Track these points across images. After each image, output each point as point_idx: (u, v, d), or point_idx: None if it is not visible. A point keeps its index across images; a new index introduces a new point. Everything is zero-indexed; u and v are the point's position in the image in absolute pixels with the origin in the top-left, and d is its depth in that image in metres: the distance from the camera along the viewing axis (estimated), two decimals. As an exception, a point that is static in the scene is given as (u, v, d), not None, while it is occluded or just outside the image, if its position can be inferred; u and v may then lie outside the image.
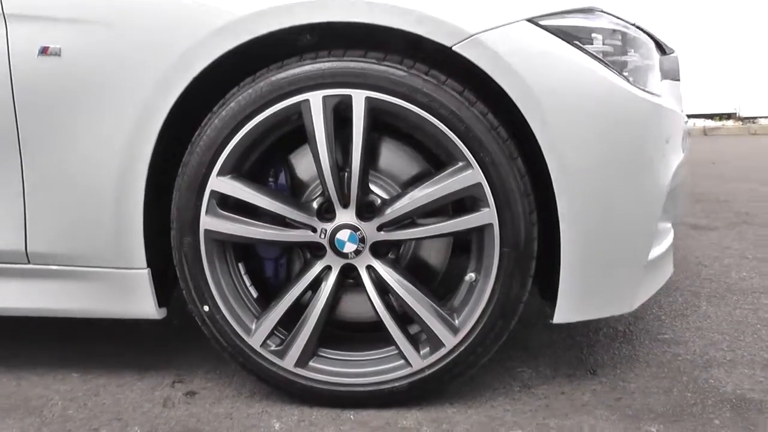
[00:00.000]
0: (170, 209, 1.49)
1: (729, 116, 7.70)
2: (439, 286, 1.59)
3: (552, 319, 1.49)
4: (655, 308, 2.13)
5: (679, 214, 1.85)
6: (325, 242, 1.46)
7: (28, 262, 1.56)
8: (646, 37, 1.58)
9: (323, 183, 1.43)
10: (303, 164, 1.57)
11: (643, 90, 1.45)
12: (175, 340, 1.95)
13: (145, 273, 1.52)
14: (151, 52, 1.42)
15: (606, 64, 1.40)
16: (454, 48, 1.34)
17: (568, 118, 1.36)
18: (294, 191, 1.56)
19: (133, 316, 1.57)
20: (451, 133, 1.37)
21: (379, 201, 1.47)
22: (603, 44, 1.44)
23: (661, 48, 1.71)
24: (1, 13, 1.46)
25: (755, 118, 7.72)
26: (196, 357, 1.82)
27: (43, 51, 1.45)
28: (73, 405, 1.57)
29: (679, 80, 1.83)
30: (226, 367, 1.75)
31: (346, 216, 1.45)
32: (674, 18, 7.78)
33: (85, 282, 1.55)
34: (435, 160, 1.55)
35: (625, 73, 1.44)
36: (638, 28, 1.56)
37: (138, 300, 1.55)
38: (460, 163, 1.39)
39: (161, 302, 1.57)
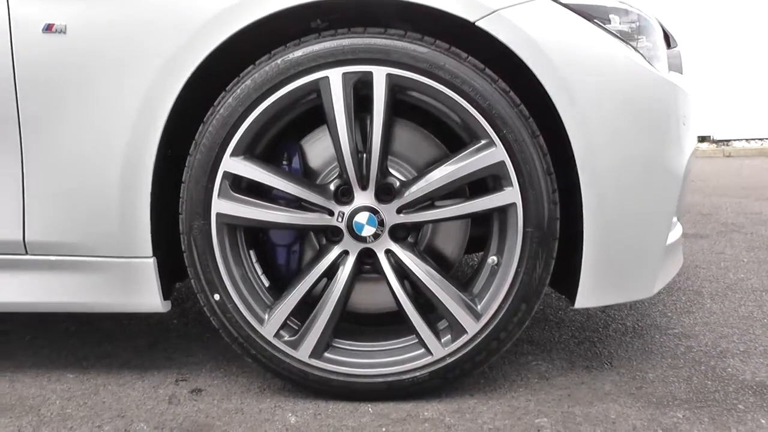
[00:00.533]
0: (176, 196, 1.44)
1: (704, 139, 7.90)
2: (457, 272, 1.55)
3: (573, 305, 1.45)
4: (660, 306, 2.11)
5: (684, 206, 1.84)
6: (342, 226, 1.41)
7: (26, 253, 1.48)
8: (657, 24, 1.59)
9: (341, 163, 1.39)
10: (315, 150, 1.52)
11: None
12: (175, 339, 1.86)
13: (150, 262, 1.45)
14: (162, 31, 1.37)
15: (624, 41, 1.40)
16: (477, 23, 1.33)
17: (593, 95, 1.35)
18: (306, 176, 1.51)
19: (138, 309, 1.49)
20: (474, 110, 1.35)
21: (397, 183, 1.43)
22: (619, 24, 1.44)
23: (667, 40, 1.72)
24: None
25: (729, 140, 7.94)
26: (198, 356, 1.74)
27: (48, 28, 1.40)
28: (71, 404, 1.48)
29: (682, 74, 1.85)
30: (231, 364, 1.67)
31: (364, 198, 1.41)
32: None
33: (87, 273, 1.47)
34: (452, 144, 1.52)
35: (640, 51, 1.44)
36: (648, 15, 1.57)
37: (142, 292, 1.47)
38: (483, 141, 1.37)
39: (165, 295, 1.50)
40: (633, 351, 1.74)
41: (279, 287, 1.50)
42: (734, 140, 7.88)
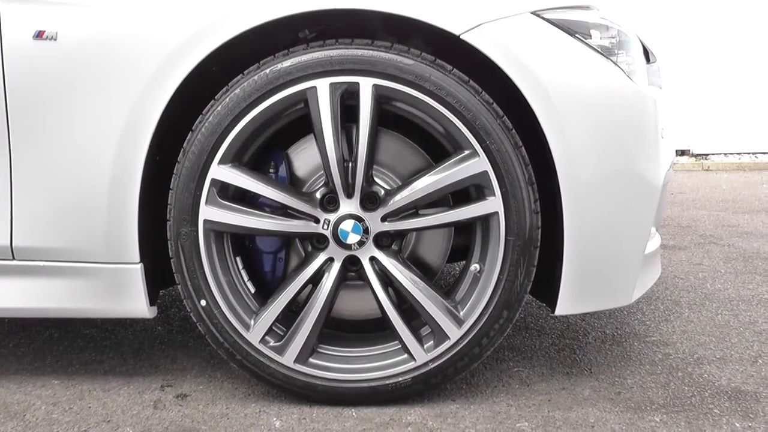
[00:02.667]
0: (163, 202, 1.45)
1: (683, 152, 8.02)
2: (439, 280, 1.58)
3: (553, 312, 1.49)
4: (639, 314, 2.15)
5: (661, 217, 1.89)
6: (328, 233, 1.43)
7: (13, 258, 1.48)
8: (636, 39, 1.64)
9: (327, 171, 1.42)
10: (301, 159, 1.55)
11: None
12: (159, 346, 1.87)
13: (138, 268, 1.46)
14: (153, 38, 1.39)
15: (606, 57, 1.45)
16: (461, 36, 1.37)
17: (573, 107, 1.39)
18: (292, 185, 1.53)
19: (124, 315, 1.50)
20: (458, 121, 1.39)
21: (382, 192, 1.46)
22: (600, 39, 1.48)
23: (647, 55, 1.77)
24: None
25: (707, 155, 8.07)
26: (183, 362, 1.75)
27: (39, 35, 1.41)
28: (57, 409, 1.48)
29: (661, 88, 1.90)
30: (216, 371, 1.68)
31: (349, 206, 1.43)
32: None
33: (74, 279, 1.48)
34: (436, 153, 1.56)
35: (622, 67, 1.49)
36: (628, 30, 1.62)
37: (129, 298, 1.48)
38: (467, 151, 1.40)
39: (151, 301, 1.51)
40: (612, 358, 1.78)
41: (265, 293, 1.52)
42: (713, 154, 8.02)
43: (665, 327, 2.03)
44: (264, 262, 1.53)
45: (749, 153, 8.03)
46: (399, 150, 1.54)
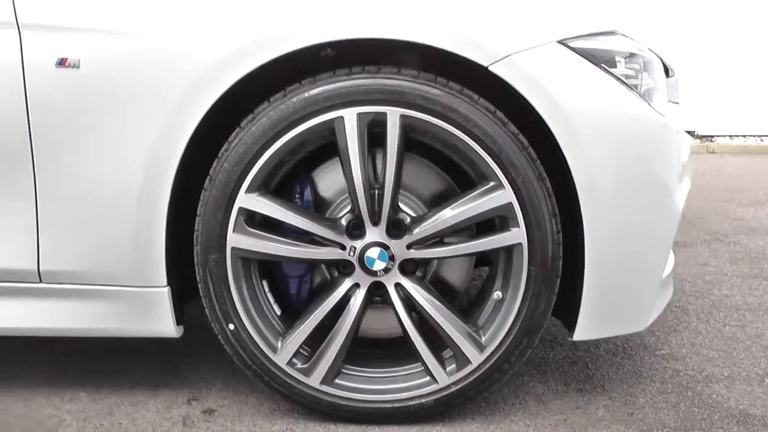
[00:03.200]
0: (187, 224, 1.47)
1: (688, 134, 8.01)
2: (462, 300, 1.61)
3: (571, 337, 1.52)
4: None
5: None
6: (354, 260, 1.46)
7: (40, 281, 1.50)
8: (658, 60, 1.64)
9: (354, 201, 1.43)
10: (325, 181, 1.57)
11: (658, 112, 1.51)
12: (182, 356, 1.91)
13: (165, 291, 1.48)
14: (177, 68, 1.39)
15: (630, 87, 1.45)
16: (489, 68, 1.37)
17: (597, 139, 1.40)
18: (317, 208, 1.56)
19: (151, 335, 1.53)
20: (484, 153, 1.40)
21: (408, 219, 1.48)
22: (625, 67, 1.49)
23: (666, 70, 1.78)
24: (15, 21, 1.41)
25: (712, 136, 8.07)
26: (207, 374, 1.79)
27: (61, 62, 1.40)
28: (88, 426, 1.52)
29: (678, 103, 1.91)
30: (240, 384, 1.72)
31: (375, 234, 1.45)
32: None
33: (100, 301, 1.50)
34: (458, 175, 1.57)
35: (644, 95, 1.49)
36: (650, 50, 1.62)
37: (156, 319, 1.51)
38: (492, 183, 1.42)
39: (178, 319, 1.54)
40: (624, 373, 1.83)
41: (290, 314, 1.55)
42: (718, 136, 8.02)
43: (674, 339, 2.07)
44: (290, 286, 1.55)
45: (754, 136, 8.02)
46: (422, 174, 1.56)
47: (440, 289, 1.56)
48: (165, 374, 1.79)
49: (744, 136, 8.06)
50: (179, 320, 1.55)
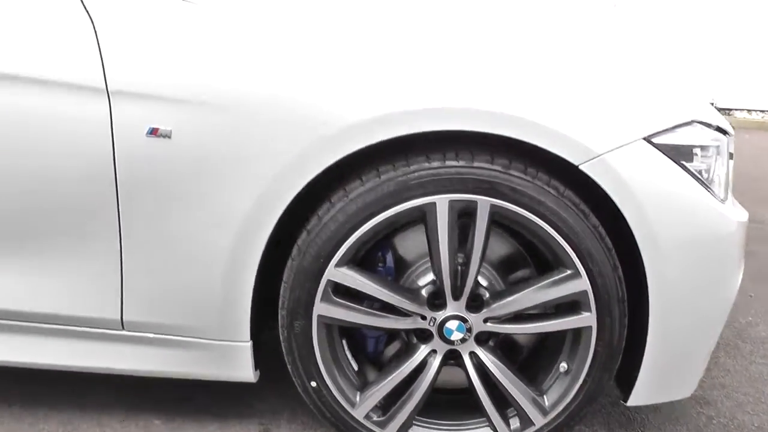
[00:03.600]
0: (271, 281, 1.55)
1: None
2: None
3: (625, 402, 1.65)
4: (679, 356, 2.32)
5: None
6: (433, 329, 1.55)
7: (123, 329, 1.58)
8: (725, 139, 1.67)
9: (439, 277, 1.51)
10: (407, 244, 1.64)
11: (722, 201, 1.57)
12: (247, 384, 2.01)
13: (248, 345, 1.58)
14: (269, 148, 1.43)
15: (704, 185, 1.52)
16: (580, 167, 1.43)
17: (672, 239, 1.47)
18: (397, 270, 1.63)
19: (231, 379, 1.64)
20: (565, 243, 1.47)
21: (487, 294, 1.56)
22: (700, 161, 1.54)
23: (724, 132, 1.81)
24: (105, 89, 1.43)
25: (731, 110, 8.04)
26: (274, 401, 1.90)
27: (152, 132, 1.43)
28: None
29: (732, 159, 1.96)
30: (306, 416, 1.84)
31: (455, 307, 1.54)
32: (649, 7, 7.90)
33: (183, 350, 1.60)
34: (535, 250, 1.64)
35: (714, 188, 1.55)
36: (719, 128, 1.66)
37: (237, 367, 1.61)
38: (569, 271, 1.50)
39: (255, 365, 1.64)
40: (661, 418, 1.96)
41: (365, 369, 1.66)
42: (736, 110, 8.00)
43: (705, 378, 2.18)
44: (367, 345, 1.65)
45: (774, 111, 8.02)
46: (500, 248, 1.63)
47: (507, 345, 1.67)
48: (231, 401, 1.90)
49: (763, 111, 8.04)
50: (256, 366, 1.65)
